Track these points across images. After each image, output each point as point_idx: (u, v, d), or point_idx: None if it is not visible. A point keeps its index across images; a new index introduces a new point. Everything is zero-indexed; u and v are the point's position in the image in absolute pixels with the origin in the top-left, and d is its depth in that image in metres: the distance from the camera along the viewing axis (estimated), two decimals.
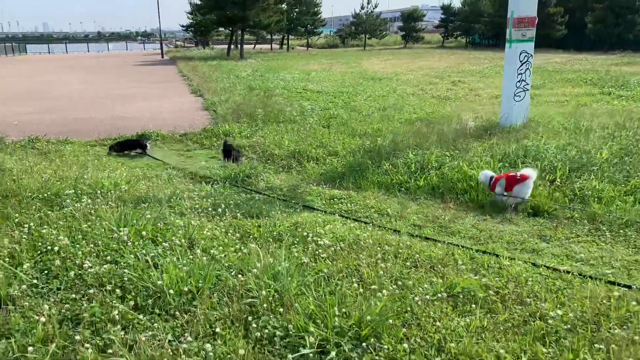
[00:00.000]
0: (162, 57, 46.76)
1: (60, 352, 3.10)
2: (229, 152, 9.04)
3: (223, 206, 5.83)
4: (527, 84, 9.93)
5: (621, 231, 5.36)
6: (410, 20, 65.73)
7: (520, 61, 9.79)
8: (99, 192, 6.23)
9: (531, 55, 9.87)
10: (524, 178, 6.12)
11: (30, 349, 3.04)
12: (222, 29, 49.65)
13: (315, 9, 60.03)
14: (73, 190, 6.19)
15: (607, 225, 5.51)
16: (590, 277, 4.18)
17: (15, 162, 8.00)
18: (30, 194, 6.05)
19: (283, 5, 52.83)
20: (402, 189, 7.17)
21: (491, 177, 6.38)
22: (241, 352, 3.03)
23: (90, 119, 13.39)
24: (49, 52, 65.30)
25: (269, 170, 8.36)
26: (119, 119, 13.39)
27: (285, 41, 62.69)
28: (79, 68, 35.07)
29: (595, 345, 3.14)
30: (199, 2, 45.97)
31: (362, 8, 63.94)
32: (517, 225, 5.78)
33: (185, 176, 8.14)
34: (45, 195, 6.04)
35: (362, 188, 7.30)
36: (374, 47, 63.51)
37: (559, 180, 6.63)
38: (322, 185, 7.45)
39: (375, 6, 64.39)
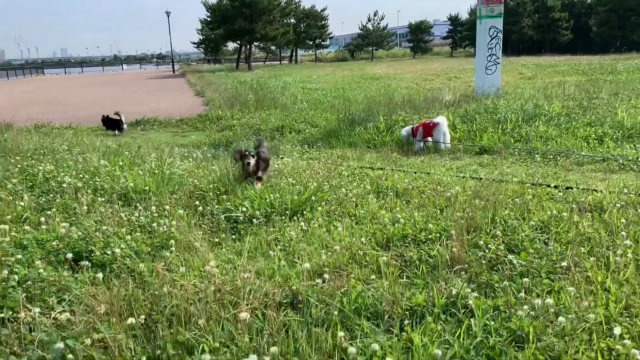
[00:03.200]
0: (174, 72, 48.05)
1: (34, 223, 3.74)
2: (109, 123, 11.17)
3: (198, 153, 6.50)
4: (498, 58, 10.51)
5: (551, 157, 5.91)
6: (417, 32, 66.59)
7: (490, 36, 10.38)
8: (91, 149, 6.92)
9: (500, 31, 10.45)
10: (434, 125, 7.06)
11: (8, 217, 3.70)
12: (231, 42, 50.88)
13: (323, 22, 61.25)
14: (67, 147, 6.90)
15: (541, 155, 6.05)
16: (494, 179, 4.76)
17: (21, 138, 8.75)
18: (28, 149, 6.75)
19: (291, 20, 54.22)
20: (370, 145, 7.77)
21: (412, 128, 7.38)
22: (180, 212, 3.66)
23: (94, 116, 14.19)
24: (65, 73, 67.30)
25: (251, 138, 9.02)
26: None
27: (293, 55, 63.92)
28: (91, 83, 36.33)
29: (475, 201, 3.71)
30: (208, 19, 47.34)
31: (369, 20, 65.05)
32: (462, 160, 6.34)
33: (176, 146, 8.83)
34: (43, 151, 6.73)
35: (334, 147, 7.91)
36: (383, 59, 64.37)
37: (509, 128, 7.18)
38: (297, 146, 8.08)
39: (382, 18, 65.46)
